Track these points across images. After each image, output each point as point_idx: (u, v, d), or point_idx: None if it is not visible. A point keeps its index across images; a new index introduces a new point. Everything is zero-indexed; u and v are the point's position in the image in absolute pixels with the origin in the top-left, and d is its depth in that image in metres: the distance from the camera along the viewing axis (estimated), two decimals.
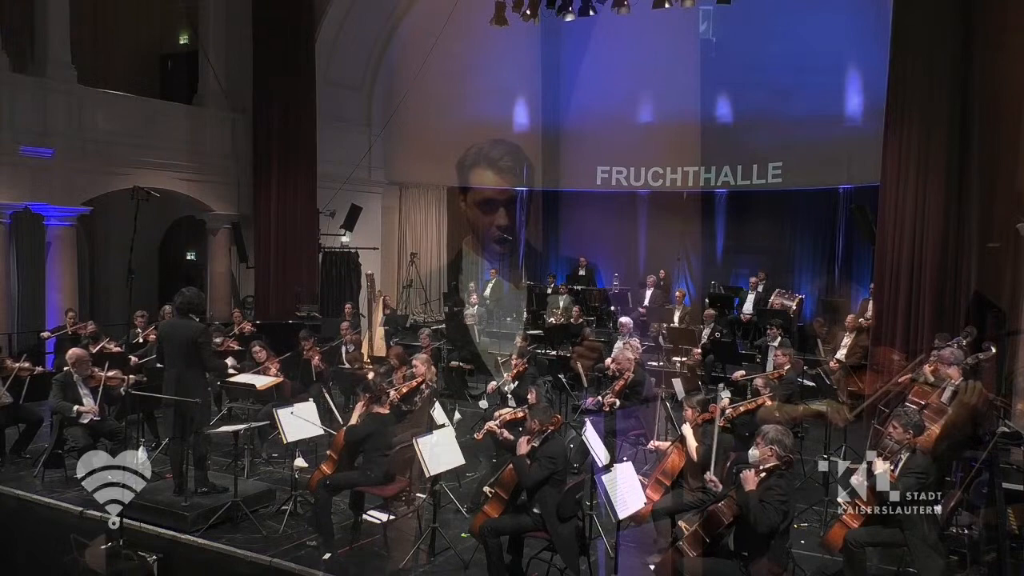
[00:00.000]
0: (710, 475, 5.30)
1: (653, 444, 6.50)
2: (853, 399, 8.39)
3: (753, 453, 4.92)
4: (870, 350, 9.99)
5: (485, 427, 6.78)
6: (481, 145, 17.34)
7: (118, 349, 9.36)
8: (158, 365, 7.52)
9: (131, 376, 7.88)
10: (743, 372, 9.47)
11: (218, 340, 9.27)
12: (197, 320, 7.00)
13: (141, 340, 10.01)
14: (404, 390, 7.22)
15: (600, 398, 7.98)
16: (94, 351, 8.89)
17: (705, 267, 15.97)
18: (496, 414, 7.05)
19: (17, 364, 8.27)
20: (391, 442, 6.45)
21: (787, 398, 7.62)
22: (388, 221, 16.93)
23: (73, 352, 7.84)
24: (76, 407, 7.46)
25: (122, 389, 7.62)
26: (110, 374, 7.82)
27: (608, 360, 9.28)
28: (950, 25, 9.40)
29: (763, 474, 4.76)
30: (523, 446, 5.52)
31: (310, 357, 9.30)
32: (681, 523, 5.26)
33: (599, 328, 13.32)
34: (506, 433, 6.31)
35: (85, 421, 7.51)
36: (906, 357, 8.92)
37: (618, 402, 7.80)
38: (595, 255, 16.65)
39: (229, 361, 8.75)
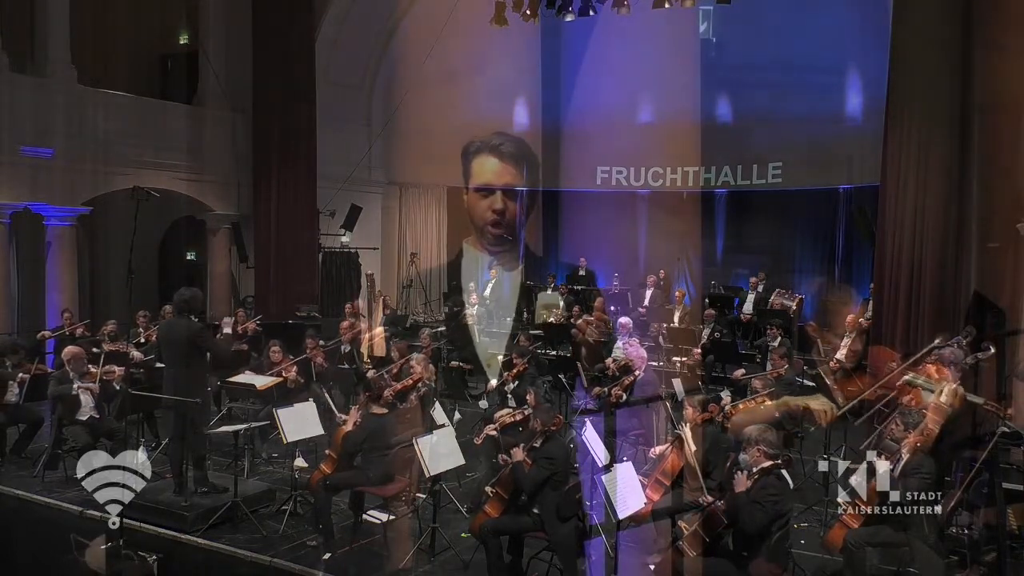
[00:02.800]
0: (704, 497, 5.22)
1: (653, 452, 6.48)
2: (851, 400, 8.36)
3: (744, 458, 4.93)
4: (869, 350, 9.97)
5: (484, 431, 6.77)
6: (486, 136, 17.41)
7: (122, 349, 9.36)
8: (158, 365, 7.51)
9: (119, 369, 7.83)
10: (743, 371, 9.48)
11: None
12: (195, 320, 7.01)
13: (143, 340, 10.02)
14: (399, 387, 7.21)
15: (606, 389, 7.97)
16: (109, 349, 8.86)
17: (705, 267, 15.97)
18: (496, 416, 7.04)
19: (34, 365, 8.27)
20: (391, 442, 6.45)
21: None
22: (388, 221, 16.94)
23: (68, 349, 7.83)
24: (77, 383, 7.42)
25: (116, 383, 7.61)
26: (105, 369, 7.78)
27: (608, 360, 9.27)
28: (950, 25, 9.38)
29: (756, 475, 4.78)
30: (517, 454, 5.52)
31: (313, 356, 9.31)
32: (681, 523, 5.25)
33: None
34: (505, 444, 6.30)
35: (85, 416, 7.49)
36: (903, 357, 8.89)
37: (625, 396, 7.80)
38: (595, 255, 16.63)
39: (226, 326, 8.47)
